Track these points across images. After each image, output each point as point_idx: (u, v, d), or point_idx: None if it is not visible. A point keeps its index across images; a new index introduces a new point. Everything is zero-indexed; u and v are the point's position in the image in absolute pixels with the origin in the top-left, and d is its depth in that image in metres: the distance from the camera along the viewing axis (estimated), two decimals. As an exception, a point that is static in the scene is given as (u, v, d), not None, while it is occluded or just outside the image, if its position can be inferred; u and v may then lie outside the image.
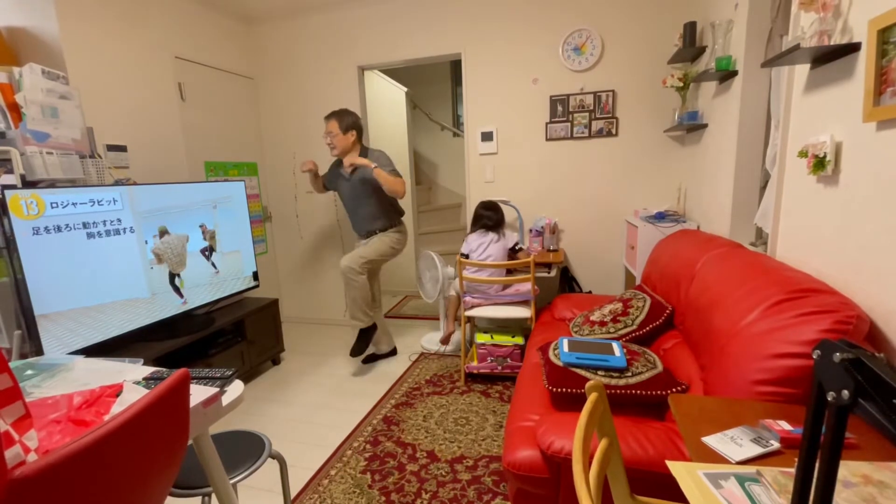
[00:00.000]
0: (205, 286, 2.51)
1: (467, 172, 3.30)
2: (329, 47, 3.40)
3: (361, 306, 2.75)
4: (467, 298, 2.63)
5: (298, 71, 3.51)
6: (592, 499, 0.68)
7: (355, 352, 2.80)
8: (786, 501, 0.70)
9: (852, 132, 1.21)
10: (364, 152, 2.71)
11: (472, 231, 2.79)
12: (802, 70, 1.47)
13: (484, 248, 2.65)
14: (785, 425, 0.91)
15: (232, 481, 1.16)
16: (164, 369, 1.11)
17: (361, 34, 3.31)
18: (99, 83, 2.40)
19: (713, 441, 0.89)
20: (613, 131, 2.94)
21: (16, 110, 1.90)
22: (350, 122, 2.66)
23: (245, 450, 1.30)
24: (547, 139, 3.07)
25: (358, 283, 2.70)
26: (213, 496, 1.12)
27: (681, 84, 2.53)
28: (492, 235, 2.67)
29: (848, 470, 0.75)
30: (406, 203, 4.38)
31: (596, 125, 2.96)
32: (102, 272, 2.00)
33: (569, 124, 3.00)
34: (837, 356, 0.49)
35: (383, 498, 1.72)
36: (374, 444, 2.06)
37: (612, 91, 2.89)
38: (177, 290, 2.35)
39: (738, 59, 1.99)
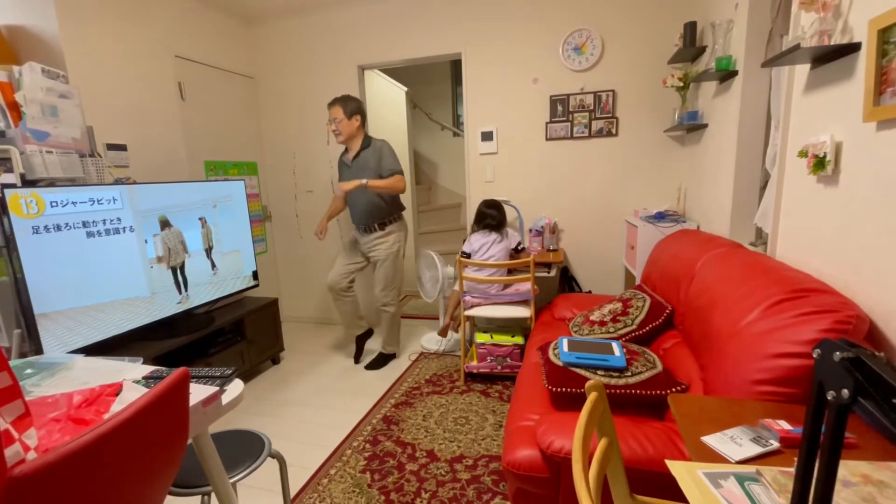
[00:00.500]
0: (204, 285, 2.51)
1: (467, 172, 3.30)
2: (329, 46, 3.40)
3: (395, 335, 2.95)
4: (467, 298, 2.63)
5: (298, 70, 3.51)
6: (592, 498, 0.68)
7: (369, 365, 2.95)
8: (785, 501, 0.70)
9: (852, 132, 1.21)
10: (367, 141, 2.72)
11: (475, 230, 2.78)
12: (803, 70, 1.47)
13: (487, 248, 2.64)
14: (784, 425, 0.91)
15: (231, 480, 1.16)
16: (163, 368, 1.11)
17: (361, 33, 3.31)
18: (99, 82, 2.40)
19: (713, 441, 0.89)
20: (613, 131, 2.94)
21: (15, 109, 1.90)
22: (354, 107, 2.66)
23: (245, 449, 1.30)
24: (547, 139, 3.07)
25: (397, 309, 2.90)
26: (213, 495, 1.12)
27: (681, 84, 2.53)
28: (494, 236, 2.67)
29: (847, 469, 0.75)
30: (406, 203, 4.38)
31: (596, 125, 2.96)
32: (102, 271, 2.00)
33: (569, 124, 3.00)
34: (838, 355, 0.49)
35: (383, 497, 1.72)
36: (374, 444, 2.06)
37: (613, 91, 2.89)
38: (178, 285, 2.35)
39: (738, 59, 1.99)
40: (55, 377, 1.04)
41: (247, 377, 2.84)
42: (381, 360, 2.95)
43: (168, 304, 2.31)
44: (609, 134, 2.95)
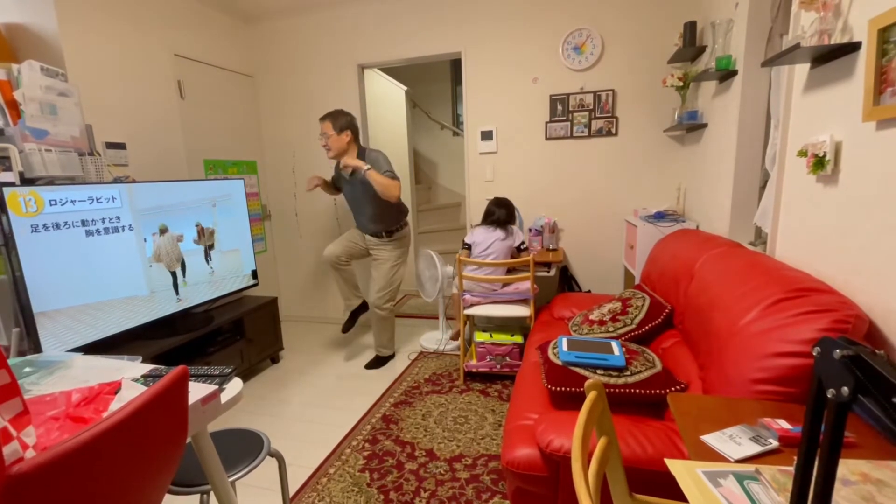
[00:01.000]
0: (203, 284, 2.51)
1: (467, 171, 3.30)
2: (329, 45, 3.40)
3: (390, 338, 2.95)
4: (466, 297, 2.63)
5: (298, 69, 3.50)
6: (591, 497, 0.68)
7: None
8: (784, 500, 0.70)
9: (852, 132, 1.21)
10: (361, 153, 2.66)
11: (481, 224, 2.77)
12: (802, 69, 1.47)
13: (489, 243, 2.63)
14: (784, 424, 0.91)
15: (231, 479, 1.16)
16: (162, 367, 1.11)
17: (361, 32, 3.31)
18: (98, 80, 2.39)
19: (712, 440, 0.89)
20: (613, 131, 2.94)
21: (14, 107, 1.89)
22: (344, 122, 2.61)
23: (244, 448, 1.30)
24: (547, 138, 3.07)
25: (389, 313, 2.88)
26: (212, 494, 1.11)
27: (681, 83, 2.53)
28: (499, 232, 2.65)
29: (847, 468, 0.76)
30: (406, 202, 4.39)
31: (596, 124, 2.96)
32: (101, 270, 1.99)
33: (568, 123, 3.00)
34: (838, 353, 0.49)
35: (382, 496, 1.72)
36: (373, 443, 2.06)
37: (612, 90, 2.89)
38: (175, 287, 2.35)
39: (738, 59, 1.99)
40: (54, 376, 1.04)
41: (246, 376, 2.84)
42: (379, 362, 2.95)
43: (167, 303, 2.30)
44: (609, 133, 2.95)
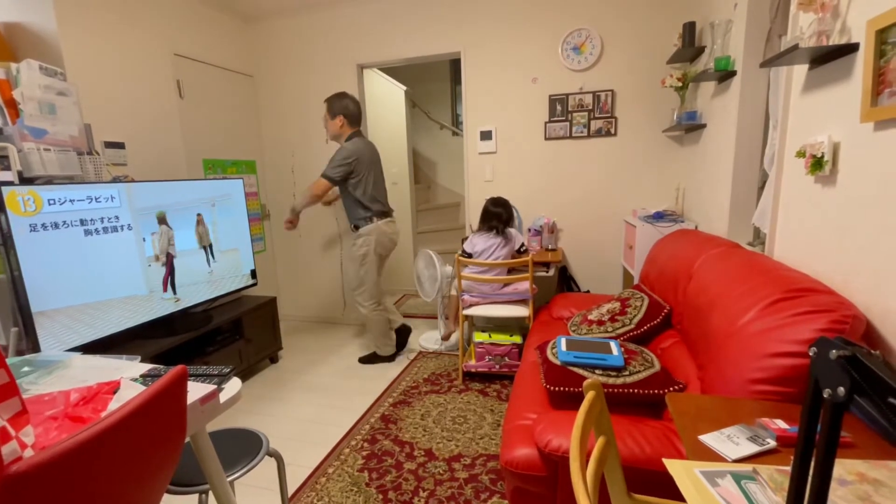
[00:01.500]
0: (202, 284, 2.51)
1: (466, 171, 3.30)
2: (328, 45, 3.40)
3: (379, 337, 2.93)
4: (465, 297, 2.63)
5: (297, 69, 3.50)
6: (590, 497, 0.68)
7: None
8: (781, 499, 0.70)
9: (850, 132, 1.21)
10: (349, 139, 2.73)
11: (479, 230, 2.73)
12: (801, 70, 1.48)
13: (490, 252, 2.61)
14: (781, 424, 0.91)
15: (229, 479, 1.16)
16: (161, 366, 1.11)
17: (361, 32, 3.31)
18: (97, 80, 2.39)
19: (710, 439, 0.90)
20: (612, 131, 2.94)
21: (13, 106, 1.89)
22: (339, 107, 2.69)
23: (243, 447, 1.30)
24: (546, 138, 3.07)
25: (371, 311, 2.87)
26: (211, 494, 1.12)
27: (680, 84, 2.53)
28: (498, 239, 2.62)
29: (843, 468, 0.76)
30: (405, 202, 4.39)
31: (595, 125, 2.96)
32: (100, 269, 1.99)
33: (568, 124, 3.00)
34: (834, 353, 0.49)
35: (381, 496, 1.72)
36: (372, 443, 2.06)
37: (611, 91, 2.89)
38: (169, 284, 2.34)
39: (736, 60, 1.99)
40: (52, 375, 1.04)
41: (245, 376, 2.84)
42: (373, 358, 2.98)
43: (166, 303, 2.30)
44: (608, 134, 2.95)
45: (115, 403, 0.90)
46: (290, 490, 1.78)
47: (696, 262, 1.74)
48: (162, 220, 2.27)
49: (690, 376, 1.46)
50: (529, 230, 3.09)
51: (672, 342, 1.74)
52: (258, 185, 3.65)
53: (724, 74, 2.05)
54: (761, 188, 1.96)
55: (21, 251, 1.71)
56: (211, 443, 1.05)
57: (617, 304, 2.02)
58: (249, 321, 2.77)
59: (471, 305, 2.64)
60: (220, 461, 1.10)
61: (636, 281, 2.50)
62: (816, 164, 1.30)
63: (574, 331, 2.06)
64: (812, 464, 0.53)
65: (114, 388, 0.95)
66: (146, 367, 1.09)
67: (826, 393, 0.50)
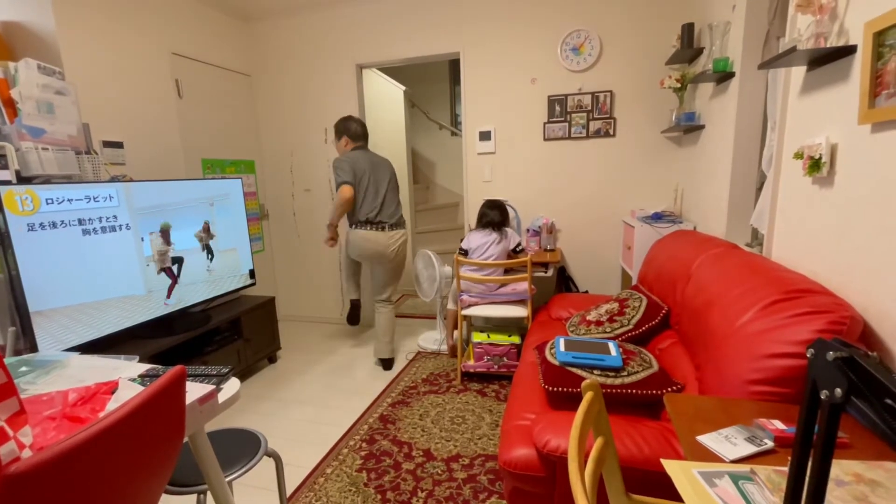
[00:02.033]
0: (201, 284, 2.51)
1: (465, 172, 3.30)
2: (327, 45, 3.40)
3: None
4: (464, 297, 2.63)
5: (296, 68, 3.50)
6: (588, 497, 0.68)
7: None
8: (779, 500, 0.71)
9: (848, 134, 1.22)
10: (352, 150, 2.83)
11: (476, 229, 2.77)
12: (799, 72, 1.48)
13: (485, 248, 2.63)
14: (779, 424, 0.92)
15: (228, 479, 1.16)
16: (159, 366, 1.11)
17: (360, 32, 3.31)
18: (95, 79, 2.39)
19: (708, 440, 0.90)
20: (611, 132, 2.95)
21: (11, 106, 1.88)
22: (342, 128, 2.84)
23: (241, 447, 1.30)
24: (545, 139, 3.08)
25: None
26: (209, 494, 1.11)
27: (678, 85, 2.54)
28: (494, 236, 2.65)
29: (840, 468, 0.76)
30: (404, 202, 4.38)
31: (594, 125, 2.96)
32: (98, 269, 1.99)
33: (567, 124, 3.01)
34: (831, 354, 0.49)
35: (379, 496, 1.72)
36: (371, 443, 2.06)
37: (610, 91, 2.90)
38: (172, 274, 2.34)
39: (735, 61, 2.00)
40: (50, 375, 1.04)
41: (243, 376, 2.83)
42: (353, 310, 3.12)
43: (164, 302, 2.30)
44: (606, 134, 2.96)
45: (114, 404, 0.90)
46: (289, 490, 1.78)
47: (694, 263, 1.75)
48: (165, 232, 2.28)
49: (688, 377, 1.46)
50: (528, 231, 3.10)
51: (670, 343, 1.74)
52: (257, 184, 3.64)
53: (723, 76, 2.06)
54: (759, 189, 1.97)
55: (19, 250, 1.71)
56: (209, 443, 1.05)
57: (615, 305, 2.02)
58: (248, 321, 2.77)
59: (469, 305, 2.64)
60: (219, 461, 1.10)
61: (634, 281, 2.50)
62: (814, 165, 1.31)
63: (572, 331, 2.06)
64: (809, 464, 0.53)
65: (112, 388, 0.95)
66: (144, 367, 1.09)
67: (823, 394, 0.50)
